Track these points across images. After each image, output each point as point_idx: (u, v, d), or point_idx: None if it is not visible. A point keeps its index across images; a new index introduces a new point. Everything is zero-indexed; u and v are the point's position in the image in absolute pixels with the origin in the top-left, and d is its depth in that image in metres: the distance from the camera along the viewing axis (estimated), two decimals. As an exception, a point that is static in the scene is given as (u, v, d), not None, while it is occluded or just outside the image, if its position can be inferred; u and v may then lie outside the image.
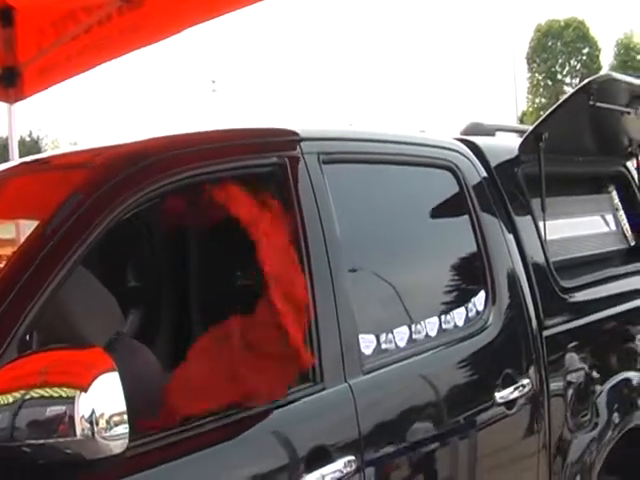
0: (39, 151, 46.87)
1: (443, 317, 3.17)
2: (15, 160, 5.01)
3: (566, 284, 3.78)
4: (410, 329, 3.02)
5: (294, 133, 3.00)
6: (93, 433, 1.97)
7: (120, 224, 2.46)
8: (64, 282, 2.27)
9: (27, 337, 2.19)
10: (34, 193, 3.09)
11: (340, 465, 2.58)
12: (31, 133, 57.63)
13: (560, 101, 3.96)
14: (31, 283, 2.23)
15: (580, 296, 3.86)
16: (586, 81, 3.92)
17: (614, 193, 4.64)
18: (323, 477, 2.53)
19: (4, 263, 2.56)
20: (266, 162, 2.84)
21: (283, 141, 2.98)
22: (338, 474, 2.57)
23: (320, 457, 2.55)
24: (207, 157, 2.72)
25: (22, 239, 3.73)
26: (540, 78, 59.12)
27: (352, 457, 2.62)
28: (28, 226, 3.34)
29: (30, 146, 49.04)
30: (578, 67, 58.39)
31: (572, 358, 3.68)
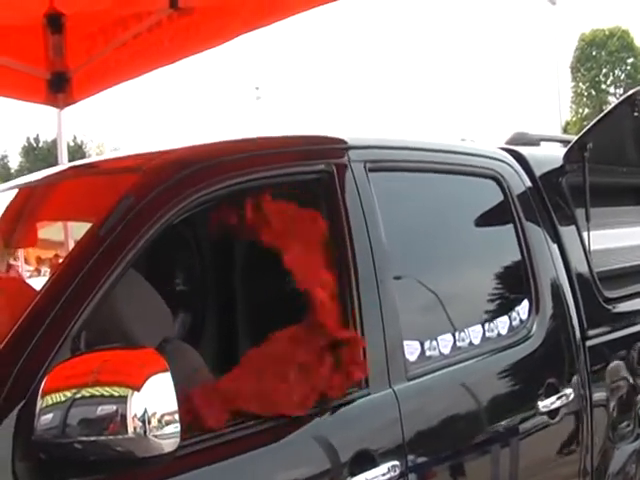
0: (83, 155, 47.37)
1: (487, 325, 3.19)
2: (64, 164, 5.08)
3: (609, 294, 3.77)
4: (454, 336, 3.04)
5: (341, 141, 3.03)
6: (145, 431, 2.01)
7: (170, 228, 2.51)
8: (116, 284, 2.32)
9: (79, 338, 2.24)
10: (84, 196, 3.14)
11: (384, 470, 2.60)
12: (75, 138, 58.29)
13: (605, 112, 3.96)
14: (85, 284, 2.27)
15: (623, 307, 3.84)
16: (631, 92, 3.91)
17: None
18: None
19: (58, 264, 2.60)
20: (313, 169, 2.87)
21: (330, 149, 3.01)
22: (382, 478, 2.59)
23: (364, 461, 2.57)
24: (256, 164, 2.75)
25: (70, 241, 3.80)
26: (584, 88, 58.68)
27: (396, 462, 2.64)
28: (76, 228, 3.41)
29: (74, 150, 49.50)
30: (622, 77, 57.90)
31: (615, 369, 3.67)
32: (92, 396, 2.03)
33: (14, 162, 68.13)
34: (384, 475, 2.60)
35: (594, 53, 58.22)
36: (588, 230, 3.73)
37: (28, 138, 67.06)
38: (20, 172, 52.03)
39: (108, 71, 5.35)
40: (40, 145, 65.63)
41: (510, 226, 3.49)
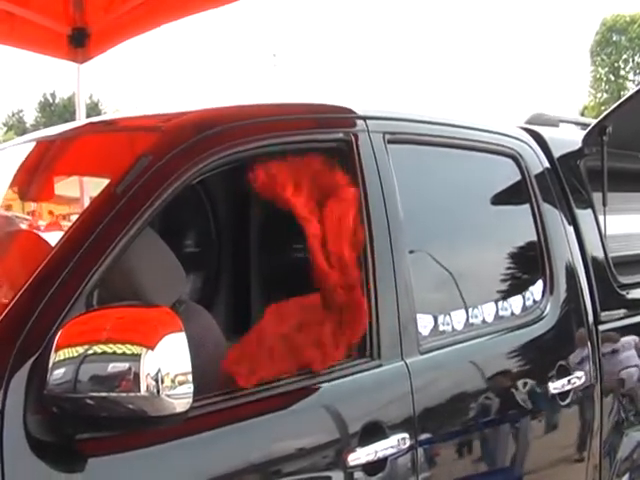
0: (99, 114, 47.30)
1: (500, 304, 3.19)
2: (82, 120, 5.06)
3: (624, 280, 3.75)
4: (467, 313, 3.04)
5: (361, 111, 3.01)
6: (158, 391, 2.00)
7: (187, 188, 2.50)
8: (132, 242, 2.30)
9: (93, 295, 2.22)
10: (102, 153, 3.12)
11: (393, 442, 2.60)
12: (92, 96, 58.23)
13: (626, 96, 3.92)
14: (100, 241, 2.26)
15: (637, 293, 3.82)
16: None
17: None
18: (376, 452, 2.55)
19: (74, 220, 2.58)
20: (332, 137, 2.86)
21: (350, 118, 2.99)
22: (391, 450, 2.60)
23: (374, 432, 2.58)
24: (275, 129, 2.74)
25: (86, 198, 3.79)
26: (603, 73, 58.38)
27: (406, 435, 2.64)
28: (92, 184, 3.40)
29: (90, 108, 49.32)
30: (642, 64, 57.59)
31: (626, 354, 3.67)
32: (104, 353, 2.02)
33: (29, 117, 68.22)
34: (393, 447, 2.60)
35: (614, 38, 57.85)
36: (605, 214, 3.71)
37: (44, 94, 67.08)
38: (36, 127, 52.09)
39: (125, 26, 5.35)
40: (56, 101, 65.56)
41: (526, 206, 3.47)
